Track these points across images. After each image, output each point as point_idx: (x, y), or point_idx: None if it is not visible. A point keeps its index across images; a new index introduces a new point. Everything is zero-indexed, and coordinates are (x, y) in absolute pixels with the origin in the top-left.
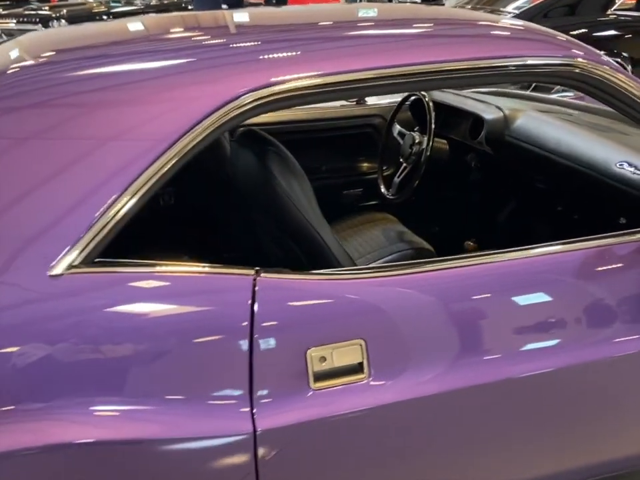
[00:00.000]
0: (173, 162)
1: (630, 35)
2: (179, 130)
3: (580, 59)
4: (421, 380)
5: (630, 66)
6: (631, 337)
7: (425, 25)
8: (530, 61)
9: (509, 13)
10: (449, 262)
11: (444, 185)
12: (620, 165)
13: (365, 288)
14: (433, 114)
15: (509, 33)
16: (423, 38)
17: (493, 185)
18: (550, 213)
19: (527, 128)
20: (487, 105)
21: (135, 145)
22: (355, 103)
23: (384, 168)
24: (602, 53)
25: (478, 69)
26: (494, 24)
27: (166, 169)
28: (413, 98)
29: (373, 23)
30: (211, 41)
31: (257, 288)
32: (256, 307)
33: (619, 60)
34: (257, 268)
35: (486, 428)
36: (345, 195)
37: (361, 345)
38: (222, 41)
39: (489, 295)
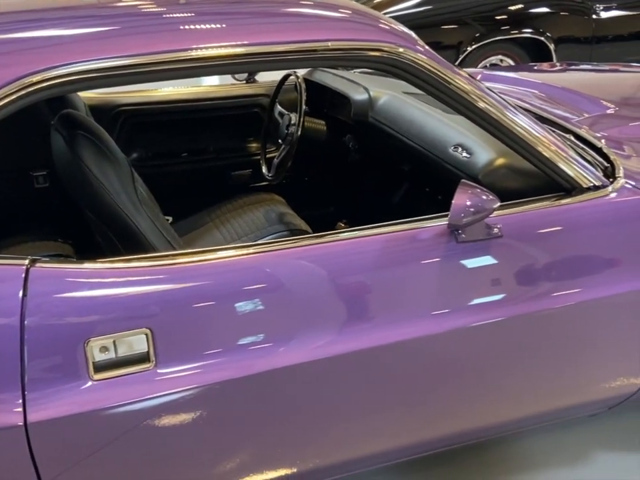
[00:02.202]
0: None
1: (564, 13)
2: None
3: (388, 44)
4: (214, 366)
5: (553, 45)
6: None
7: (220, 6)
8: (332, 45)
9: None
10: (244, 249)
11: (325, 166)
12: (455, 148)
13: (153, 276)
14: (304, 94)
15: (312, 16)
16: (215, 20)
17: (369, 165)
18: (419, 193)
19: (387, 109)
20: (356, 86)
21: None
22: (244, 81)
23: (269, 149)
24: (529, 30)
25: (275, 54)
26: (297, 6)
27: None
28: (292, 78)
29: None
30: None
31: (29, 278)
32: (28, 298)
33: (543, 39)
34: (35, 257)
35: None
36: (234, 176)
37: (146, 334)
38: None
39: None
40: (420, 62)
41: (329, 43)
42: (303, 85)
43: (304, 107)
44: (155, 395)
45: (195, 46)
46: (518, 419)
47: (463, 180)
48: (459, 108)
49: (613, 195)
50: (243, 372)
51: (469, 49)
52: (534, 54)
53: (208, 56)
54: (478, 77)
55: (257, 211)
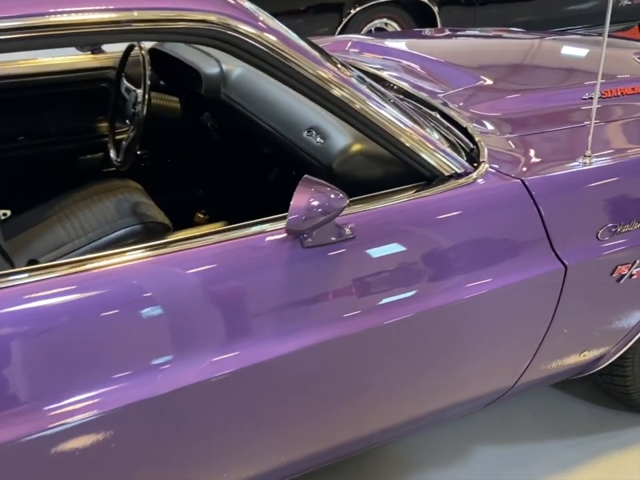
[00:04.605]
0: None
1: None
2: None
3: (201, 13)
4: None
5: (436, 7)
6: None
7: None
8: (138, 15)
9: None
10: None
11: (185, 147)
12: (309, 131)
13: None
14: (149, 68)
15: None
16: None
17: (232, 147)
18: (285, 177)
19: (240, 85)
20: (208, 58)
21: None
22: (89, 52)
23: (119, 129)
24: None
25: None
26: None
27: None
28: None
29: None
30: None
31: None
32: None
33: (427, 1)
34: None
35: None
36: (83, 161)
37: None
38: None
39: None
40: (247, 37)
41: (135, 13)
42: (147, 58)
43: (148, 82)
44: None
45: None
46: (402, 424)
47: (305, 176)
48: (308, 93)
49: (477, 182)
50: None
51: (352, 11)
52: (418, 17)
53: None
54: (348, 45)
55: (107, 201)
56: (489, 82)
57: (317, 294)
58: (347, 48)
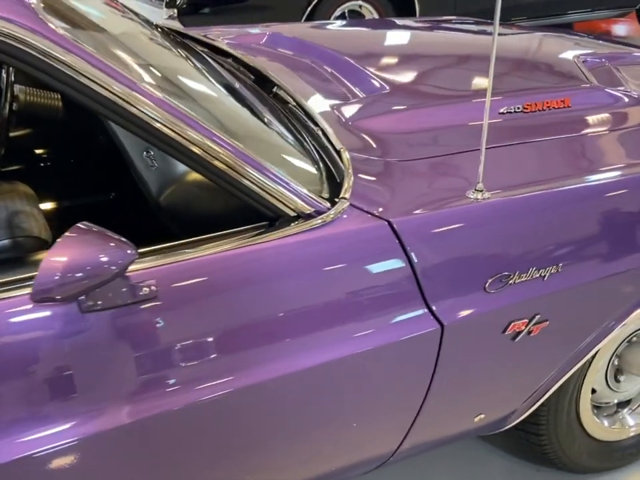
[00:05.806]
0: None
1: None
2: None
3: None
4: None
5: None
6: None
7: None
8: None
9: None
10: None
11: (80, 149)
12: (147, 152)
13: None
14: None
15: None
16: None
17: (115, 153)
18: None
19: None
20: None
21: None
22: None
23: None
24: None
25: None
26: None
27: None
28: None
29: None
30: None
31: None
32: None
33: None
34: None
35: None
36: None
37: None
38: None
39: None
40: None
41: None
42: None
43: (6, 76)
44: None
45: None
46: None
47: (79, 223)
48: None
49: (332, 223)
50: None
51: None
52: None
53: None
54: (264, 39)
55: None
56: (400, 89)
57: (103, 370)
58: (262, 42)
